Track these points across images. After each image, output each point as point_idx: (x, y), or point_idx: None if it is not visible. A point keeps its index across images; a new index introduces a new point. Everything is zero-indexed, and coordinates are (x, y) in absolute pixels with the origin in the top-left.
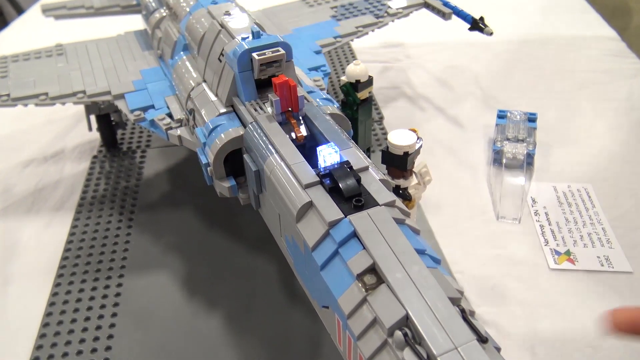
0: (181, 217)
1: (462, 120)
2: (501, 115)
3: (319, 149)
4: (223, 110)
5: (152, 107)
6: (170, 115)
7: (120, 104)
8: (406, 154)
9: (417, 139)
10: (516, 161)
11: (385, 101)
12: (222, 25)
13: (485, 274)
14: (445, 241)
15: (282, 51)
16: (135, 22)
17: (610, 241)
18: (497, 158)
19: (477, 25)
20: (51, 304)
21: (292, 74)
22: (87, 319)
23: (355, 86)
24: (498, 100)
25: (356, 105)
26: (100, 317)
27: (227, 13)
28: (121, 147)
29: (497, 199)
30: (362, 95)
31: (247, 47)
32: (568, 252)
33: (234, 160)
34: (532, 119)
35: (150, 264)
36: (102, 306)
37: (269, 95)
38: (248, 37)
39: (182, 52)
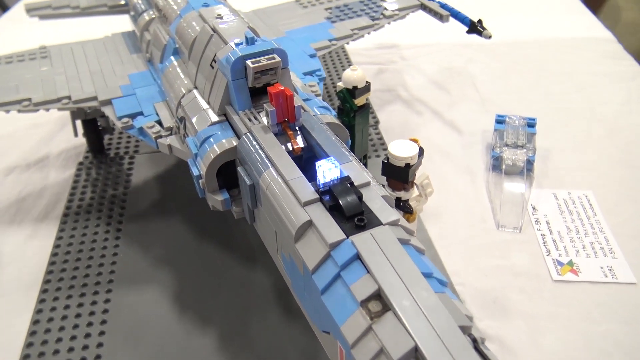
0: (171, 227)
1: (459, 124)
2: (500, 120)
3: (318, 164)
4: (215, 119)
5: (141, 113)
6: (159, 123)
7: (107, 110)
8: (407, 165)
9: (419, 149)
10: (516, 168)
11: (380, 105)
12: (214, 30)
13: (487, 286)
14: (444, 251)
15: (278, 59)
16: (123, 23)
17: (613, 251)
18: (496, 164)
19: (475, 28)
20: (35, 321)
21: (287, 82)
22: (74, 337)
23: (352, 92)
24: (495, 103)
25: (353, 112)
26: (87, 335)
27: (219, 17)
28: (108, 153)
29: (497, 207)
30: (360, 101)
31: (240, 54)
32: (571, 263)
33: (227, 171)
34: (531, 124)
35: (139, 277)
36: (89, 324)
37: (265, 105)
38: (242, 43)
39: (172, 57)
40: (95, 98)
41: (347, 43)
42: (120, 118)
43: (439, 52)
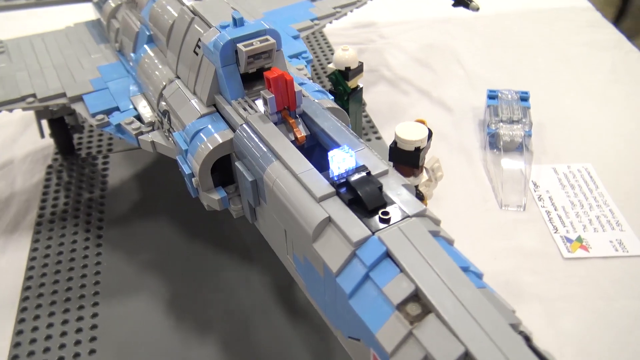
0: (156, 229)
1: (448, 102)
2: (492, 96)
3: (330, 154)
4: (205, 110)
5: (117, 109)
6: (139, 118)
7: (78, 108)
8: (417, 149)
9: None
10: (513, 144)
11: (364, 86)
12: (194, 12)
13: (497, 269)
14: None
15: (272, 40)
16: (85, 12)
17: (620, 223)
18: (493, 142)
19: (462, 0)
20: (16, 344)
21: (282, 65)
22: (61, 359)
23: (344, 74)
24: (482, 79)
25: (347, 95)
26: (76, 355)
27: None
28: (79, 154)
29: (498, 186)
30: (353, 83)
31: (230, 38)
32: (580, 239)
33: (221, 167)
34: (524, 97)
35: (127, 286)
36: (77, 342)
37: (262, 92)
38: (228, 26)
39: (146, 45)
40: (63, 95)
41: (330, 22)
42: (94, 115)
43: (418, 28)
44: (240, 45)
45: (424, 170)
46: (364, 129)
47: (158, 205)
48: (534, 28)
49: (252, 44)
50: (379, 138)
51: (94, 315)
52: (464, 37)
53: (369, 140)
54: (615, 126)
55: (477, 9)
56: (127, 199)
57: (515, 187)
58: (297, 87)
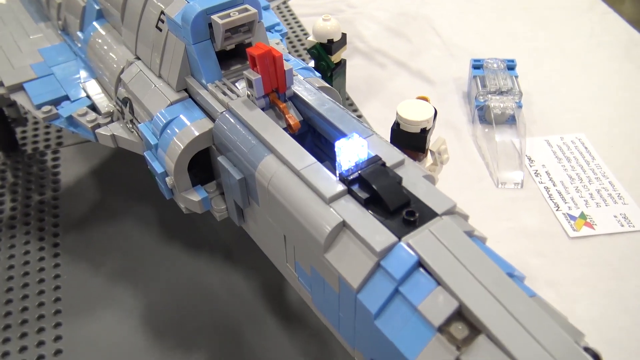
0: (122, 232)
1: (428, 74)
2: (476, 66)
3: (338, 144)
4: (175, 97)
5: (66, 98)
6: (93, 108)
7: (19, 98)
8: (424, 130)
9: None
10: (504, 116)
11: None
12: None
13: (503, 254)
14: None
15: (253, 9)
16: None
17: (622, 196)
18: (482, 115)
19: None
20: None
21: (264, 40)
22: None
23: (327, 47)
24: (460, 47)
25: (331, 70)
26: None
27: None
28: (25, 150)
29: (493, 163)
30: (337, 57)
31: (202, 8)
32: (583, 215)
33: (198, 161)
34: (510, 66)
35: (94, 301)
36: None
37: (245, 72)
38: None
39: (95, 22)
40: (0, 84)
41: None
42: (39, 107)
43: None
44: (215, 17)
45: (429, 153)
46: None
47: (121, 205)
48: None
49: (229, 15)
50: (359, 116)
51: (57, 338)
52: (436, 3)
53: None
54: (603, 92)
55: None
56: (85, 198)
57: (510, 162)
58: (286, 66)
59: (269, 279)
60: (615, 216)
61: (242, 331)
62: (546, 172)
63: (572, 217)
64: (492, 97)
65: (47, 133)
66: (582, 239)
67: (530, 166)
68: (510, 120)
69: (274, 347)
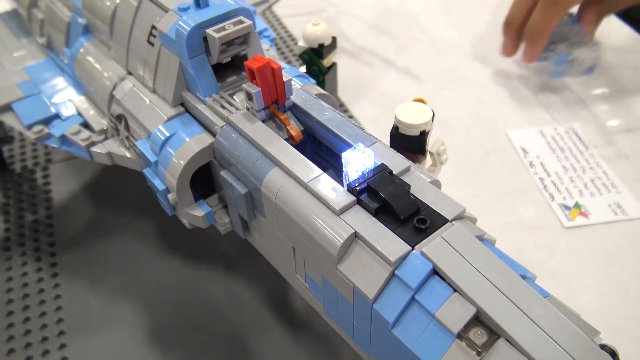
0: (120, 248)
1: (415, 70)
2: None
3: (344, 155)
4: (171, 112)
5: (57, 117)
6: (86, 126)
7: (7, 119)
8: (423, 133)
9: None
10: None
11: None
12: None
13: (502, 248)
14: None
15: (248, 22)
16: None
17: (616, 185)
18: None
19: None
20: None
21: (259, 51)
22: None
23: (318, 52)
24: (446, 42)
25: (322, 75)
26: None
27: None
28: (13, 169)
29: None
30: (328, 62)
31: (196, 22)
32: (578, 205)
33: (199, 175)
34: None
35: (98, 320)
36: None
37: (244, 85)
38: (189, 8)
39: (82, 37)
40: None
41: None
42: (30, 127)
43: None
44: (210, 31)
45: (428, 154)
46: None
47: (116, 219)
48: None
49: (224, 28)
50: (350, 117)
51: None
52: None
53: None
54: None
55: None
56: (79, 215)
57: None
58: (285, 76)
59: (272, 287)
60: (609, 205)
61: (250, 341)
62: (540, 163)
63: (567, 207)
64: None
65: (35, 150)
66: (577, 229)
67: (525, 157)
68: (588, 71)
69: (283, 354)
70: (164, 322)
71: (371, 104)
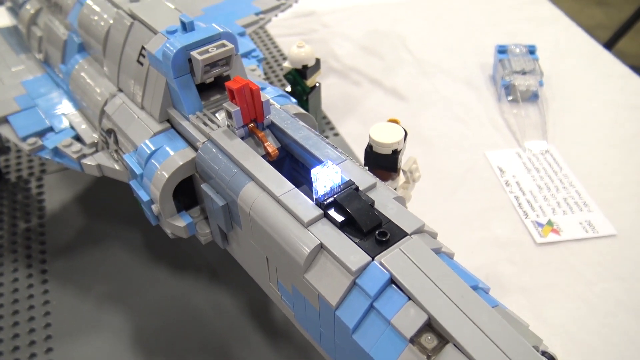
0: (109, 257)
1: (401, 90)
2: (501, 50)
3: (314, 171)
4: (157, 128)
5: (51, 129)
6: (78, 139)
7: (4, 131)
8: (395, 152)
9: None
10: (527, 93)
11: None
12: (133, 16)
13: (477, 263)
14: None
15: (230, 45)
16: None
17: (587, 204)
18: (507, 92)
19: None
20: None
21: (241, 72)
22: None
23: (302, 73)
24: (432, 64)
25: (306, 95)
26: None
27: None
28: (8, 178)
29: (520, 134)
30: (312, 82)
31: (182, 45)
32: (550, 222)
33: (182, 188)
34: (531, 50)
35: (85, 326)
36: None
37: (225, 105)
38: (176, 31)
39: (77, 55)
40: None
41: (276, 15)
42: (24, 139)
43: (360, 14)
44: (194, 54)
45: (401, 172)
46: (319, 126)
47: (106, 230)
48: (475, 6)
49: (207, 51)
50: (336, 134)
51: None
52: (407, 20)
53: (326, 137)
54: (570, 104)
55: None
56: (71, 225)
57: (535, 133)
58: (264, 97)
59: (254, 297)
60: (580, 223)
61: (230, 348)
62: (516, 182)
63: (540, 224)
64: (517, 76)
65: (30, 161)
66: (549, 245)
67: (502, 177)
68: (532, 97)
69: (261, 358)
70: (148, 328)
71: (358, 122)
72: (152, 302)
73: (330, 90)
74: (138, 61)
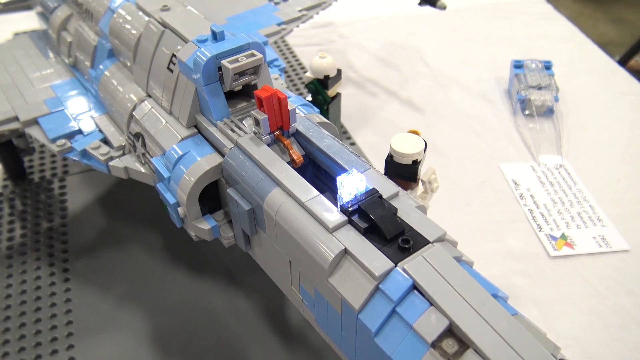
0: (129, 257)
1: (417, 102)
2: (517, 65)
3: (339, 179)
4: (185, 133)
5: (79, 132)
6: (106, 142)
7: (34, 132)
8: (415, 162)
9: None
10: (543, 108)
11: None
12: (164, 24)
13: (490, 275)
14: None
15: (259, 55)
16: (21, 21)
17: (601, 219)
18: (523, 107)
19: None
20: None
21: (268, 81)
22: None
23: (324, 83)
24: (448, 77)
25: (327, 104)
26: None
27: (165, 8)
28: (32, 178)
29: (535, 149)
30: (332, 92)
31: (212, 54)
32: (564, 236)
33: (207, 192)
34: (547, 66)
35: (105, 324)
36: None
37: (253, 112)
38: (206, 40)
39: (107, 60)
40: (15, 119)
41: (297, 26)
42: (54, 140)
43: (378, 26)
44: (225, 62)
45: (420, 182)
46: None
47: (127, 231)
48: (490, 22)
49: (237, 60)
50: (352, 144)
51: (70, 359)
52: (424, 33)
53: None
54: (584, 120)
55: (444, 8)
56: (92, 225)
57: (550, 148)
58: (290, 106)
59: (271, 300)
60: (594, 237)
61: (246, 350)
62: (530, 195)
63: (554, 238)
64: (533, 91)
65: (54, 162)
66: (563, 259)
67: (516, 190)
68: (548, 112)
69: None
70: (166, 327)
71: (374, 132)
72: (170, 302)
73: (347, 101)
74: (168, 68)
